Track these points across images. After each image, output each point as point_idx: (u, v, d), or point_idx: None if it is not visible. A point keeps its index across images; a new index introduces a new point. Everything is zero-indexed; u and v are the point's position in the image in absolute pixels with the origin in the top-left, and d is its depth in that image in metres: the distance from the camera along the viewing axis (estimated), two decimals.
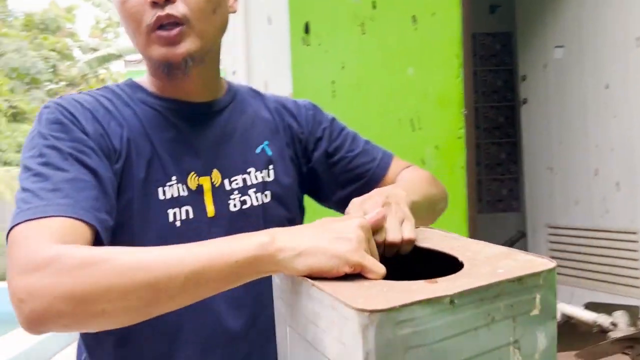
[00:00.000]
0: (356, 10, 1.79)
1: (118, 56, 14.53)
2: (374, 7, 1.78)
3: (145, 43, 0.83)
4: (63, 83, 17.90)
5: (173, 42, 0.83)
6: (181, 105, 0.91)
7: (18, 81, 15.03)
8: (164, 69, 0.85)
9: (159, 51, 0.83)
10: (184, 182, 0.88)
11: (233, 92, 0.98)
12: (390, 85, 1.81)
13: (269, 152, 0.97)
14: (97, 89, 0.92)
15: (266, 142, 0.97)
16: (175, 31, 0.82)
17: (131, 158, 0.85)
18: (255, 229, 0.75)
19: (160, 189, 0.86)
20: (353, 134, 1.06)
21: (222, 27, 0.90)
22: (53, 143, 0.79)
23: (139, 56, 8.75)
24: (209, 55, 0.89)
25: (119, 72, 19.68)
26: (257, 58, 1.73)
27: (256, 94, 1.04)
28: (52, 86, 17.53)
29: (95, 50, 14.81)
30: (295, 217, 0.99)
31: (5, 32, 16.36)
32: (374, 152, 1.04)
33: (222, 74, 0.98)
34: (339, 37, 1.77)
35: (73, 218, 0.71)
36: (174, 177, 0.87)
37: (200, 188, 0.89)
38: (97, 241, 0.74)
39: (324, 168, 1.02)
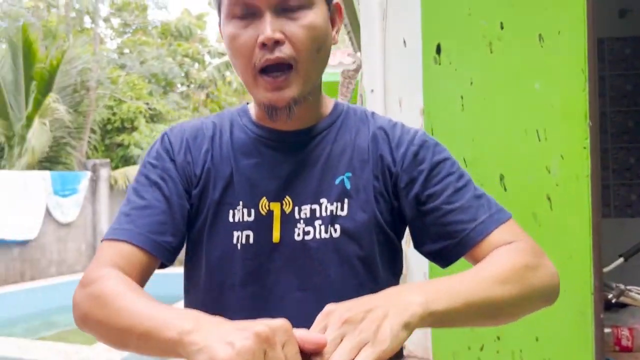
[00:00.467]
0: (484, 31, 1.93)
1: None
2: (502, 27, 1.92)
3: (253, 84, 0.87)
4: (193, 86, 19.29)
5: (279, 87, 0.86)
6: (273, 133, 0.95)
7: (156, 85, 16.47)
8: (268, 111, 0.88)
9: (265, 95, 0.87)
10: (255, 207, 0.91)
11: (335, 117, 0.98)
12: (516, 99, 1.93)
13: (348, 185, 0.92)
14: (214, 115, 1.02)
15: (348, 174, 0.93)
16: (281, 78, 0.85)
17: (210, 182, 0.93)
18: (315, 262, 0.88)
19: (231, 211, 0.91)
20: (462, 183, 0.92)
21: (325, 64, 0.92)
22: (145, 171, 0.94)
23: None
24: (313, 90, 0.92)
25: None
26: (392, 77, 1.94)
27: (367, 118, 0.99)
28: (184, 89, 18.96)
29: (222, 54, 15.82)
30: (370, 254, 0.92)
31: (145, 40, 17.95)
32: (478, 212, 0.89)
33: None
34: (468, 56, 1.93)
35: (130, 243, 0.86)
36: (245, 201, 0.91)
37: (270, 213, 0.91)
38: (159, 259, 0.89)
39: (414, 214, 0.93)
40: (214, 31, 22.42)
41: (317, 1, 0.88)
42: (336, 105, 1.00)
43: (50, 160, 11.11)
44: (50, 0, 15.66)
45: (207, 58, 19.14)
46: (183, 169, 0.94)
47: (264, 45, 0.84)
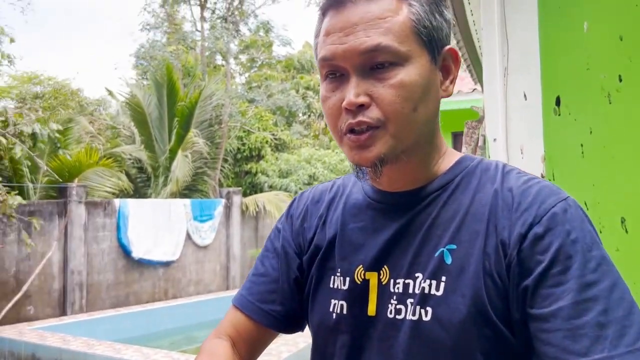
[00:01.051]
0: (603, 83, 2.08)
1: None
2: (620, 80, 2.06)
3: (340, 143, 0.83)
4: (314, 115, 20.09)
5: (363, 145, 0.80)
6: (380, 195, 0.89)
7: (280, 116, 17.43)
8: (355, 171, 0.84)
9: (350, 154, 0.82)
10: (351, 275, 0.86)
11: (453, 176, 0.86)
12: (636, 146, 2.05)
13: (448, 260, 0.80)
14: (348, 174, 0.99)
15: (450, 246, 0.80)
16: (365, 135, 0.80)
17: (320, 247, 0.91)
18: (398, 349, 0.79)
19: (332, 277, 0.89)
20: (590, 293, 0.70)
21: (428, 120, 0.83)
22: (272, 236, 1.00)
23: None
24: (411, 149, 0.83)
25: None
26: (514, 126, 2.13)
27: (497, 176, 0.84)
28: (305, 118, 19.81)
29: None
30: (467, 351, 0.76)
31: (271, 74, 19.10)
32: (593, 345, 0.68)
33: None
34: (587, 107, 2.07)
35: (239, 309, 0.95)
36: (343, 268, 0.87)
37: (365, 283, 0.85)
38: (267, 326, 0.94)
39: (520, 313, 0.75)
40: None
41: (414, 54, 0.80)
42: (459, 162, 0.88)
43: (189, 189, 12.19)
44: (189, 42, 17.27)
45: None
46: (297, 236, 0.96)
47: (348, 110, 0.80)
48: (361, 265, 0.87)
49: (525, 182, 0.82)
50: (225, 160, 14.39)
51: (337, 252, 0.90)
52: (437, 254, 0.81)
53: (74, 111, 12.76)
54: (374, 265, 0.86)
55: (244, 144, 15.27)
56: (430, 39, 0.82)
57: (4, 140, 7.56)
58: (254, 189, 14.46)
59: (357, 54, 0.79)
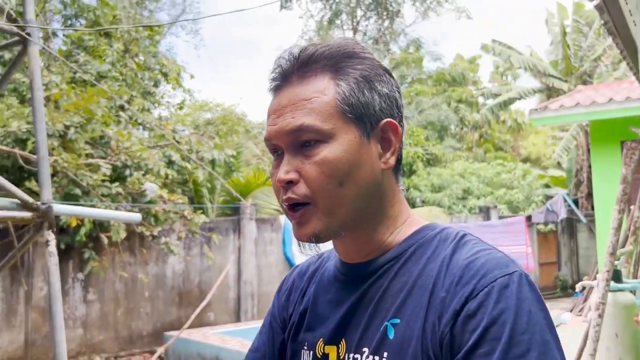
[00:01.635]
0: None
1: (517, 98, 15.34)
2: None
3: (287, 217, 0.86)
4: (466, 128, 19.77)
5: (300, 222, 0.83)
6: (344, 267, 0.90)
7: (431, 130, 17.47)
8: (298, 245, 0.86)
9: (294, 232, 0.86)
10: (313, 349, 0.88)
11: (406, 247, 0.85)
12: None
13: (391, 334, 0.80)
14: (330, 250, 0.98)
15: (394, 320, 0.80)
16: (298, 213, 0.82)
17: (294, 321, 0.95)
18: None
19: (302, 351, 0.91)
20: None
21: (362, 194, 0.83)
22: (269, 311, 1.04)
23: (544, 104, 9.10)
24: (350, 224, 0.84)
25: (518, 112, 20.47)
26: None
27: (449, 247, 0.82)
28: (457, 130, 19.54)
29: (496, 95, 16.04)
30: None
31: (421, 89, 19.24)
32: None
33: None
34: None
35: None
36: (308, 342, 0.90)
37: (325, 357, 0.87)
38: None
39: None
40: (487, 71, 22.55)
41: (339, 131, 0.82)
42: (418, 231, 0.87)
43: None
44: None
45: (480, 99, 19.54)
46: (282, 310, 0.99)
47: (281, 186, 0.83)
48: (321, 339, 0.88)
49: (474, 254, 0.79)
50: None
51: (306, 325, 0.92)
52: (382, 328, 0.81)
53: (242, 136, 14.03)
54: (333, 339, 0.87)
55: None
56: (359, 115, 0.83)
57: (189, 166, 8.65)
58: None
59: (284, 134, 0.83)
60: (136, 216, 4.61)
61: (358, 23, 17.38)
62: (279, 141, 0.84)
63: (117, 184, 7.20)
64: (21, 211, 3.49)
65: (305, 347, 0.91)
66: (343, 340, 0.86)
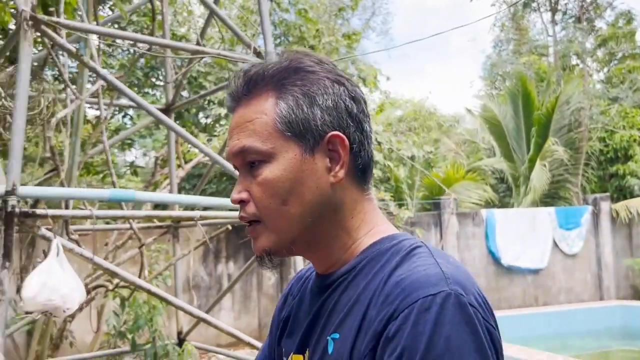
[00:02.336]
0: None
1: None
2: None
3: None
4: None
5: (253, 238, 0.86)
6: (316, 277, 0.92)
7: None
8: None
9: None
10: (288, 356, 0.91)
11: (359, 261, 0.85)
12: None
13: (330, 348, 0.81)
14: None
15: (334, 334, 0.81)
16: (250, 229, 0.86)
17: (281, 326, 0.98)
18: None
19: (283, 358, 0.94)
20: None
21: (308, 211, 0.83)
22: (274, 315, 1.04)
23: None
24: (302, 240, 0.85)
25: None
26: None
27: (397, 259, 0.80)
28: None
29: None
30: None
31: (634, 65, 17.32)
32: None
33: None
34: None
35: None
36: (286, 350, 0.93)
37: None
38: None
39: None
40: None
41: (279, 150, 0.83)
42: (375, 244, 0.86)
43: (551, 197, 12.16)
44: (539, 50, 17.16)
45: None
46: (279, 314, 1.01)
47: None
48: (292, 350, 0.91)
49: (410, 269, 0.77)
50: (587, 165, 13.77)
51: (287, 332, 0.95)
52: (325, 342, 0.82)
53: (435, 131, 14.15)
54: (300, 348, 0.89)
55: (607, 145, 14.31)
56: (299, 132, 0.83)
57: (391, 164, 9.10)
58: (621, 192, 13.40)
59: (232, 155, 0.86)
60: None
61: (557, 2, 16.30)
62: (233, 162, 0.87)
63: None
64: None
65: (284, 353, 0.94)
66: (307, 350, 0.87)
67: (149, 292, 3.64)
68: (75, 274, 3.40)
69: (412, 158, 9.46)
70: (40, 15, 3.43)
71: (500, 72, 16.76)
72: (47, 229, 3.52)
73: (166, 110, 5.08)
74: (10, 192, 3.24)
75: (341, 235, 0.87)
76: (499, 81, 17.13)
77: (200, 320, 4.14)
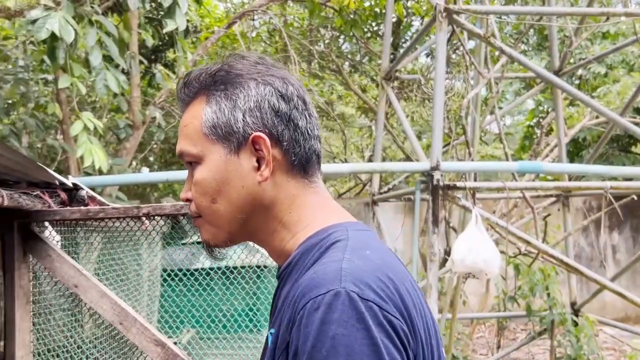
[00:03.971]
0: None
1: None
2: None
3: None
4: None
5: (199, 230, 0.95)
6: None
7: None
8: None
9: None
10: None
11: (295, 256, 0.88)
12: None
13: (270, 342, 0.85)
14: None
15: (272, 330, 0.86)
16: (194, 222, 0.95)
17: None
18: None
19: None
20: None
21: (238, 208, 0.89)
22: None
23: None
24: (239, 234, 0.92)
25: None
26: None
27: (316, 255, 0.83)
28: None
29: None
30: None
31: None
32: None
33: None
34: None
35: None
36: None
37: None
38: None
39: None
40: None
41: (206, 152, 0.89)
42: (308, 238, 0.88)
43: None
44: None
45: None
46: None
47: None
48: None
49: (315, 269, 0.80)
50: None
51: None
52: (267, 336, 0.88)
53: None
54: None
55: None
56: (223, 135, 0.88)
57: None
58: None
59: (178, 157, 0.93)
60: None
61: None
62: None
63: None
64: None
65: None
66: None
67: (560, 261, 3.70)
68: (491, 241, 3.70)
69: None
70: (452, 5, 3.79)
71: None
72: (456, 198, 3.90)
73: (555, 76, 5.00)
74: (435, 168, 3.71)
75: (279, 229, 0.91)
76: None
77: (600, 291, 3.99)
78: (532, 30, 8.57)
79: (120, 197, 5.01)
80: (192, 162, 0.91)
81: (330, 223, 0.89)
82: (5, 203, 1.76)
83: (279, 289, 0.90)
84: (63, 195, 2.12)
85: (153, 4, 5.32)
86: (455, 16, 3.79)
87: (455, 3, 3.94)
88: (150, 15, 5.54)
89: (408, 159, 7.00)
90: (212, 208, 0.89)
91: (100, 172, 3.93)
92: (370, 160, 8.81)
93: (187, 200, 0.93)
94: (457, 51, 6.49)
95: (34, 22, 3.29)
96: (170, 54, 6.15)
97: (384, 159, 7.54)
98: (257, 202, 0.89)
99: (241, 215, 0.90)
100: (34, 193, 1.97)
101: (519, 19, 5.41)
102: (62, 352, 2.13)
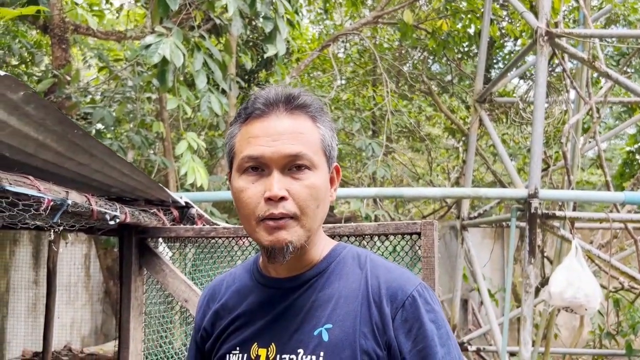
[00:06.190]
0: None
1: None
2: None
3: (255, 229, 1.01)
4: None
5: (279, 228, 0.99)
6: (270, 281, 1.08)
7: None
8: (268, 252, 1.01)
9: (266, 237, 1.00)
10: (247, 352, 1.05)
11: (328, 264, 1.06)
12: None
13: (325, 337, 0.99)
14: (241, 264, 1.20)
15: (327, 326, 1.00)
16: (283, 221, 0.99)
17: (216, 330, 1.11)
18: None
19: (228, 355, 1.07)
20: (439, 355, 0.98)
21: (322, 218, 1.04)
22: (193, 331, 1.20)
23: None
24: (310, 239, 1.03)
25: None
26: None
27: (365, 264, 1.05)
28: None
29: None
30: None
31: None
32: None
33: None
34: None
35: None
36: (241, 346, 1.06)
37: (258, 359, 1.03)
38: None
39: None
40: None
41: (320, 164, 1.03)
42: (333, 250, 1.09)
43: None
44: None
45: None
46: (199, 326, 1.16)
47: (269, 199, 0.98)
48: (256, 343, 1.04)
49: (387, 270, 1.05)
50: None
51: (236, 333, 1.07)
52: (316, 332, 1.00)
53: None
54: (265, 343, 1.04)
55: None
56: (329, 156, 1.06)
57: None
58: None
59: (282, 156, 1.00)
60: None
61: None
62: (272, 162, 1.00)
63: None
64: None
65: (234, 352, 1.06)
66: (272, 344, 1.02)
67: None
68: (592, 274, 3.51)
69: None
70: (554, 29, 3.68)
71: None
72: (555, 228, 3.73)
73: None
74: (533, 195, 3.58)
75: (318, 241, 1.07)
76: None
77: None
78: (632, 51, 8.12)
79: (213, 213, 5.21)
80: (304, 166, 1.01)
81: (330, 239, 1.13)
82: (128, 220, 1.89)
83: (306, 292, 1.04)
84: (175, 212, 2.25)
85: (252, 28, 5.54)
86: (557, 39, 3.67)
87: (556, 26, 3.82)
88: (248, 38, 5.77)
89: (500, 182, 6.79)
90: (316, 212, 1.02)
91: (199, 189, 4.11)
92: (457, 182, 8.63)
93: (282, 198, 0.98)
94: (552, 73, 6.27)
95: (147, 47, 3.53)
96: (262, 75, 6.36)
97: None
98: (325, 216, 1.07)
99: (320, 224, 1.06)
100: (151, 210, 2.10)
101: (620, 41, 5.16)
102: (162, 358, 2.24)
